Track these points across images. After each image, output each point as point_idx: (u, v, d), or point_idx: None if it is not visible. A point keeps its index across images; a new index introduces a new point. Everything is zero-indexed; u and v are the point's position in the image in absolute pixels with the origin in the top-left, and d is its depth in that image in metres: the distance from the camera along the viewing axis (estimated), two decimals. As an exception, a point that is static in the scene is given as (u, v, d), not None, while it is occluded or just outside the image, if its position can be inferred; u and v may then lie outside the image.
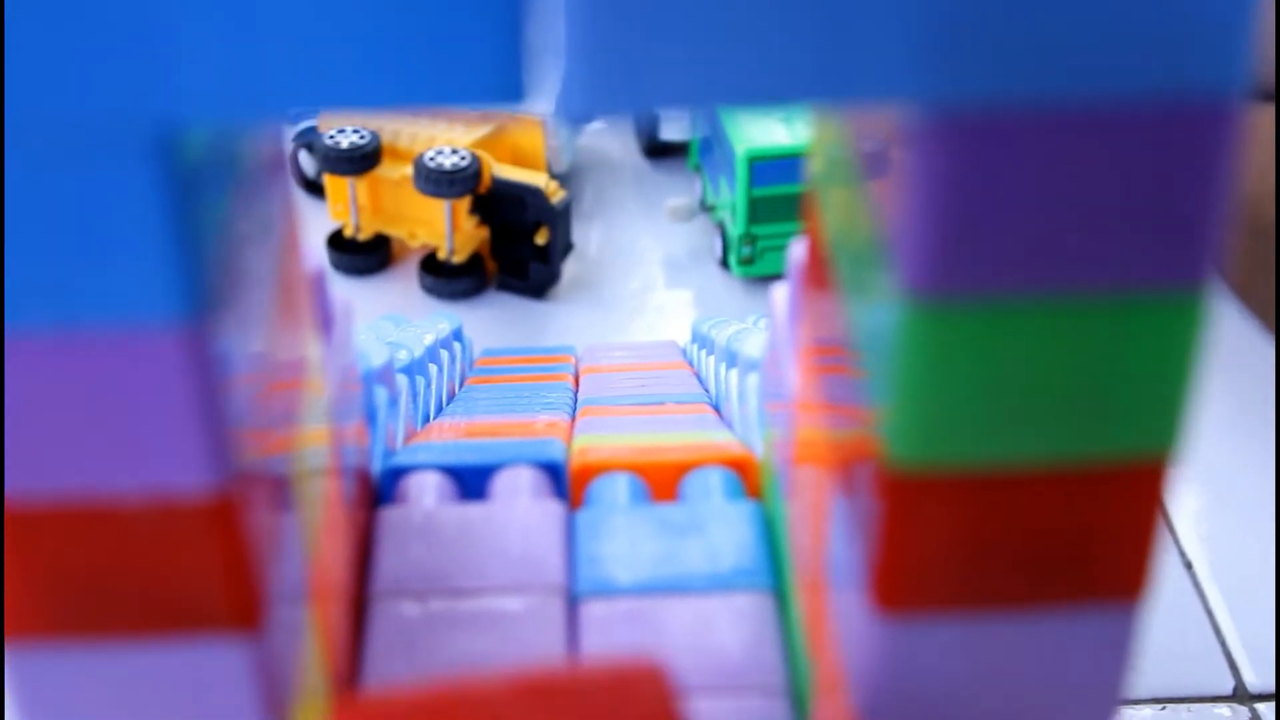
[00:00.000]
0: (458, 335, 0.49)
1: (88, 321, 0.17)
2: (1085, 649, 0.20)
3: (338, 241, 0.60)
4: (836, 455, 0.22)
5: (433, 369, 0.42)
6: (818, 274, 0.23)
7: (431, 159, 0.55)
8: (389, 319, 0.51)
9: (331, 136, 0.56)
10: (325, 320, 0.27)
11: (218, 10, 0.15)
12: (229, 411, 0.18)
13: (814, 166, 0.23)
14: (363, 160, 0.57)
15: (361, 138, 0.56)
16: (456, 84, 0.16)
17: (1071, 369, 0.17)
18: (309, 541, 0.23)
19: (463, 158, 0.55)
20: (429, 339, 0.43)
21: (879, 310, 0.18)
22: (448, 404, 0.43)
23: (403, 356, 0.40)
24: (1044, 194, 0.16)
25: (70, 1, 0.15)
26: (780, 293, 0.28)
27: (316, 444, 0.25)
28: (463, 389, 0.46)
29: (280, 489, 0.21)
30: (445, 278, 0.58)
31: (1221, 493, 0.48)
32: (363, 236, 0.60)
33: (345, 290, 0.40)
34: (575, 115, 0.16)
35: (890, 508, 0.19)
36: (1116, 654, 0.20)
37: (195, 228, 0.17)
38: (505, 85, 0.16)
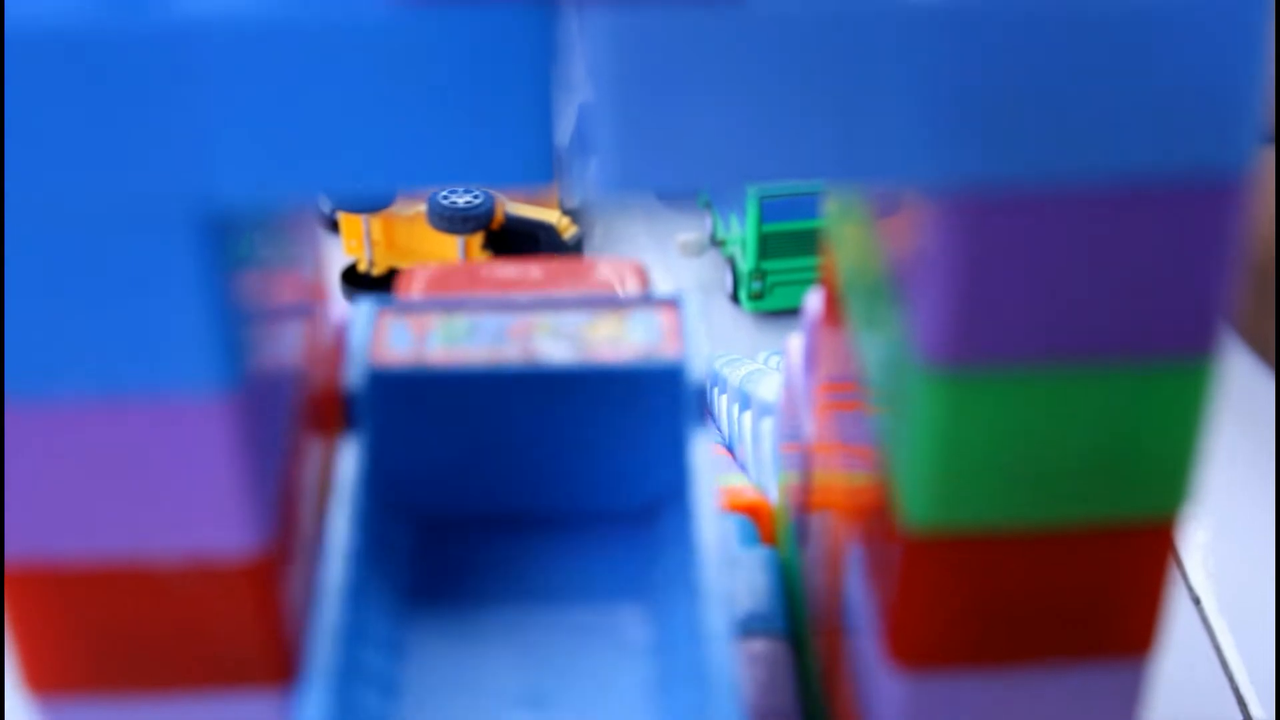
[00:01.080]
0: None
1: (134, 391, 0.17)
2: (1097, 703, 0.20)
3: (352, 276, 0.61)
4: (852, 501, 0.22)
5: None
6: (832, 312, 0.23)
7: (445, 198, 0.56)
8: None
9: (346, 174, 0.57)
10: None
11: (262, 98, 0.16)
12: (268, 474, 0.19)
13: (829, 205, 0.24)
14: (377, 197, 0.57)
15: (376, 175, 0.57)
16: (487, 166, 0.16)
17: (1085, 436, 0.18)
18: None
19: (476, 196, 0.56)
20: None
21: (892, 353, 0.19)
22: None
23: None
24: (1059, 269, 0.17)
25: (119, 90, 0.15)
26: (795, 342, 0.29)
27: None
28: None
29: (312, 541, 0.22)
30: (458, 313, 0.59)
31: (1228, 528, 0.48)
32: (376, 271, 0.60)
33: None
34: (605, 193, 0.16)
35: (906, 568, 0.19)
36: (1127, 708, 0.21)
37: (236, 301, 0.17)
38: (534, 167, 0.16)
